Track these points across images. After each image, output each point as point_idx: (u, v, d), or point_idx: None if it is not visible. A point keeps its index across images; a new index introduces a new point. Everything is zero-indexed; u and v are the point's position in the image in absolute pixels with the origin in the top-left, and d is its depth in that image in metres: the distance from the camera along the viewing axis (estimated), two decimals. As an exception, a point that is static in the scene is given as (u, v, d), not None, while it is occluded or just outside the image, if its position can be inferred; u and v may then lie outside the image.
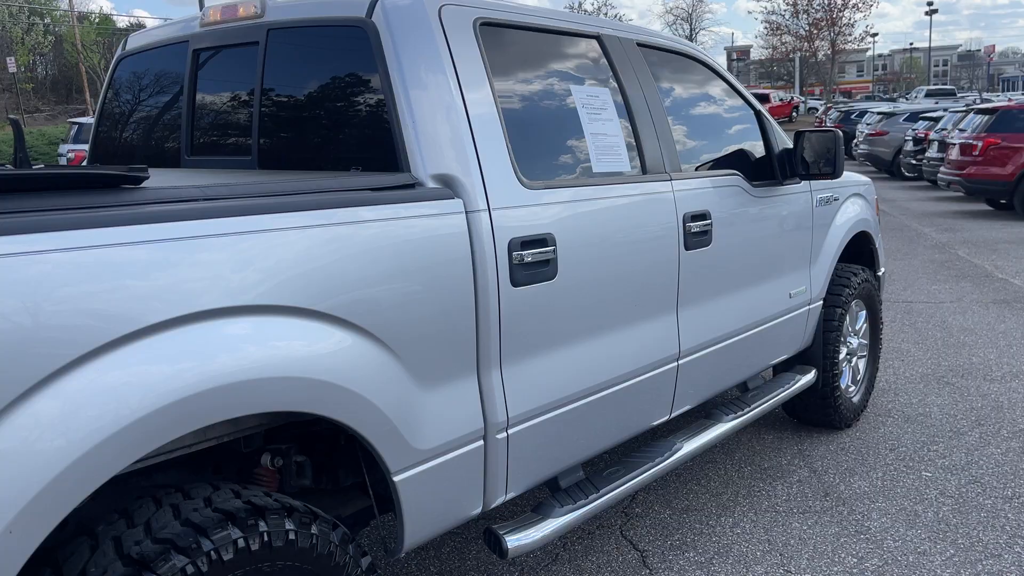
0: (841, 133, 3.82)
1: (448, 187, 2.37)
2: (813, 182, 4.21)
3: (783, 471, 4.25)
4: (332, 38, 2.59)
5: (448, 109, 2.41)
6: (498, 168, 2.48)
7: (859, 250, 4.98)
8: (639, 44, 3.32)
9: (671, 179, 3.18)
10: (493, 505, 2.58)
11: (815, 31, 52.56)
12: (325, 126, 2.67)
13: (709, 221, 3.33)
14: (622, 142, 3.03)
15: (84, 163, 3.51)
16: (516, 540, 2.60)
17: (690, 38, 55.41)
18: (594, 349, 2.82)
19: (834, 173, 3.85)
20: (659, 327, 3.13)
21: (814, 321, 4.36)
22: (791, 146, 4.04)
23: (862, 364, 4.96)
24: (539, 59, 2.85)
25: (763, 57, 70.63)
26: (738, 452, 4.50)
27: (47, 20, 59.49)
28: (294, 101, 2.74)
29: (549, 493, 2.93)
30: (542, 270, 2.56)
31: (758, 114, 3.94)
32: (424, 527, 2.34)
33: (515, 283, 2.47)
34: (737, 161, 3.78)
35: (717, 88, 3.79)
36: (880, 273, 5.15)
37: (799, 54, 57.19)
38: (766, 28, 57.79)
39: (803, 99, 53.29)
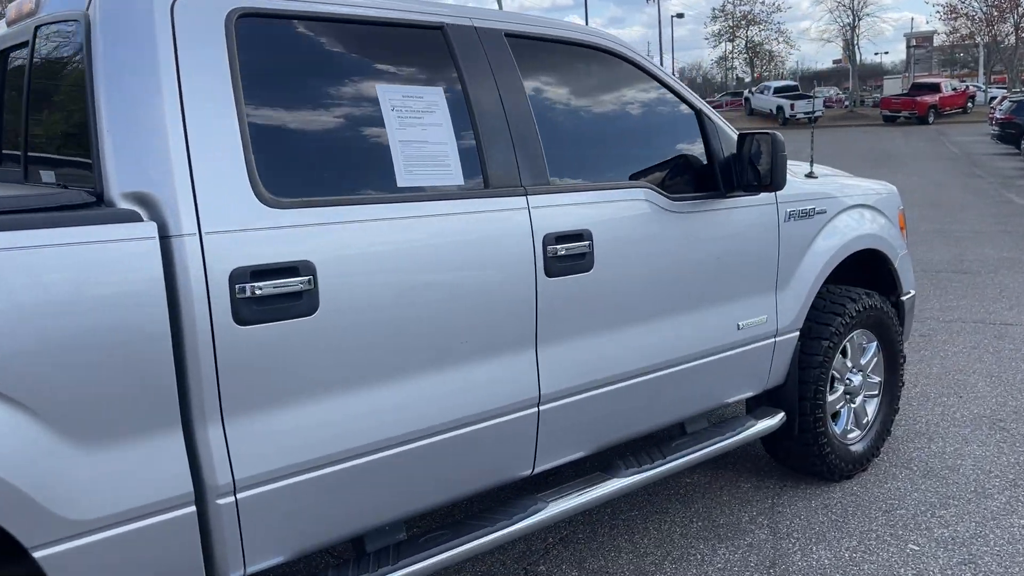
0: (780, 136, 3.17)
1: (143, 207, 2.01)
2: (780, 192, 3.57)
3: (739, 530, 3.63)
4: (70, 35, 2.29)
5: (156, 116, 2.06)
6: (224, 184, 2.11)
7: (873, 271, 4.25)
8: (510, 35, 2.84)
9: (527, 194, 2.69)
10: (229, 579, 2.21)
11: (996, 13, 48.23)
12: (59, 136, 2.38)
13: (588, 243, 2.81)
14: (453, 151, 2.57)
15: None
16: (259, 620, 2.23)
17: (853, 27, 52.18)
18: (386, 396, 2.39)
19: (772, 184, 3.21)
20: (503, 367, 2.65)
21: (786, 355, 3.70)
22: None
23: (871, 405, 4.22)
24: (334, 55, 2.44)
25: (943, 43, 65.67)
26: (698, 501, 3.91)
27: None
28: (45, 108, 2.47)
29: (355, 555, 2.54)
30: (290, 304, 2.17)
31: (699, 115, 3.34)
32: None
33: (242, 321, 2.09)
34: (662, 169, 3.22)
35: (637, 85, 3.23)
36: (905, 298, 4.37)
37: (982, 38, 52.69)
38: (940, 12, 53.57)
39: (981, 87, 49.06)
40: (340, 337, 2.26)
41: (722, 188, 3.30)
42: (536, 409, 2.75)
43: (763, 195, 3.48)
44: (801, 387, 3.77)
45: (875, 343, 4.15)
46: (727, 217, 3.32)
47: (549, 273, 2.71)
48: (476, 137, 2.63)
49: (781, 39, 61.83)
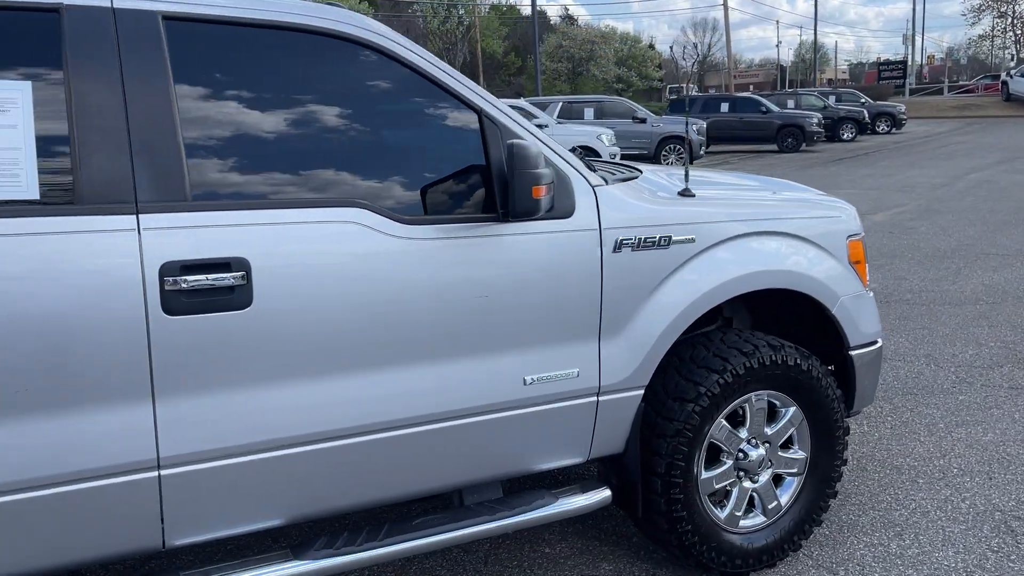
0: (524, 144, 2.43)
1: None
2: (604, 215, 2.81)
3: (541, 630, 2.94)
4: None
5: None
6: None
7: (813, 318, 3.34)
8: (172, 18, 2.35)
9: (139, 212, 2.21)
10: None
11: None
12: None
13: (241, 274, 2.29)
14: (29, 159, 2.13)
15: None
16: None
17: None
18: None
19: (507, 211, 2.50)
20: (94, 423, 2.20)
21: (621, 418, 2.93)
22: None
23: (788, 488, 3.31)
24: None
25: None
26: (530, 584, 3.23)
27: (461, 11, 65.24)
28: None
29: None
30: None
31: (480, 117, 2.66)
32: None
33: None
34: (406, 185, 2.59)
35: (381, 79, 2.60)
36: (855, 352, 3.39)
37: None
38: None
39: None
40: None
41: (499, 210, 2.62)
42: (155, 474, 2.28)
43: (576, 218, 2.75)
44: (648, 459, 2.99)
45: (794, 408, 3.24)
46: (503, 245, 2.64)
47: (170, 311, 2.23)
48: (72, 143, 2.18)
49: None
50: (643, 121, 21.09)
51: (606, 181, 2.96)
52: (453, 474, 2.72)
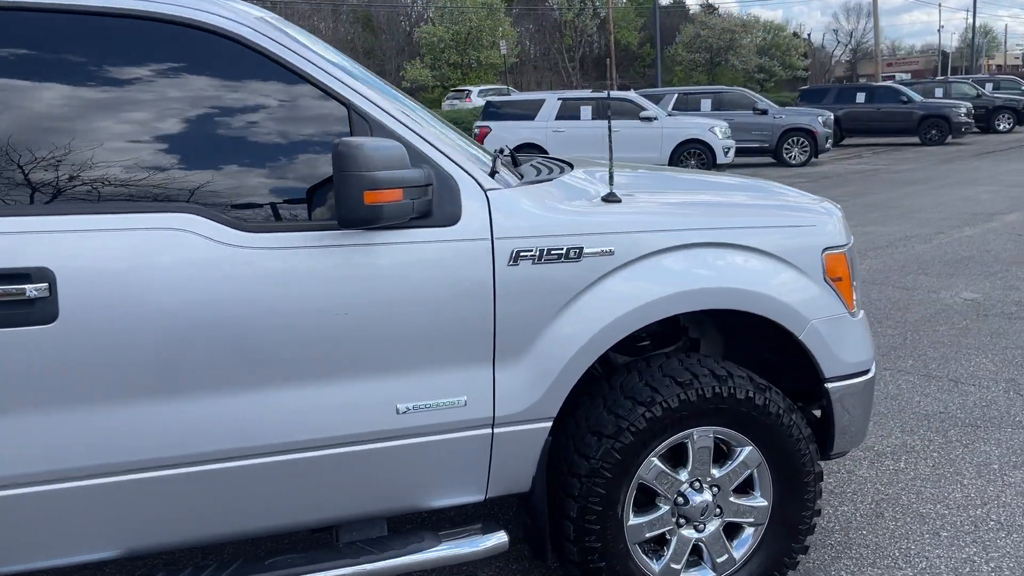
0: (350, 144, 2.09)
1: None
2: (498, 222, 2.45)
3: None
4: None
5: None
6: None
7: (786, 344, 2.87)
8: (-6, 8, 2.17)
9: (-84, 217, 2.04)
10: None
11: None
12: None
13: (44, 285, 2.08)
14: None
15: None
16: None
17: None
18: None
19: (344, 218, 2.18)
20: None
21: (523, 454, 2.57)
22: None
23: (745, 539, 2.85)
24: None
25: None
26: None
27: (597, 2, 64.56)
28: None
29: None
30: None
31: (350, 113, 2.36)
32: None
33: None
34: (256, 189, 2.33)
35: (235, 70, 2.32)
36: (832, 385, 2.88)
37: None
38: None
39: None
40: None
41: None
42: (-46, 497, 2.11)
43: (462, 226, 2.41)
44: (560, 500, 2.62)
45: (750, 448, 2.78)
46: (367, 257, 2.32)
47: (-42, 324, 2.05)
48: None
49: None
50: (764, 113, 20.06)
51: (521, 178, 2.61)
52: (313, 509, 2.43)
